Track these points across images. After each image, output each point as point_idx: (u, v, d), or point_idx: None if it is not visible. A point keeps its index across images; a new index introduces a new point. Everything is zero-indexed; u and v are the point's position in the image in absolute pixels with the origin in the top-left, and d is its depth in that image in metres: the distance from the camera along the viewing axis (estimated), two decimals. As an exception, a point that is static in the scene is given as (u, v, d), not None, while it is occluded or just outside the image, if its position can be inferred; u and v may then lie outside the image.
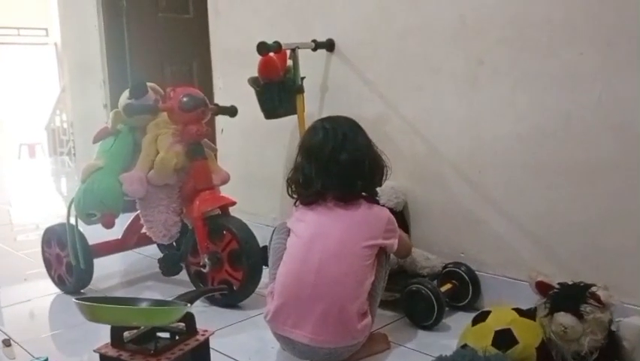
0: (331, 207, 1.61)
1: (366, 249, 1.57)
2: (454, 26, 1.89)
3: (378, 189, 1.92)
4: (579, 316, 1.35)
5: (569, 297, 1.39)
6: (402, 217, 2.08)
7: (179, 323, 1.32)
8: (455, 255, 1.98)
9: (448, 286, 1.92)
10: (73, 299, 1.23)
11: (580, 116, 1.65)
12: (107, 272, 2.50)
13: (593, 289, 1.38)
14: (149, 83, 2.19)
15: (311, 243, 1.57)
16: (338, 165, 1.59)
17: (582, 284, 1.42)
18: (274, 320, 1.57)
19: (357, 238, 1.57)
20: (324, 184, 1.61)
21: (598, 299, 1.36)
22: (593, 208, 1.65)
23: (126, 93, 2.18)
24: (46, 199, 5.23)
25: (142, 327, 1.31)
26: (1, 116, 9.98)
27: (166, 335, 1.33)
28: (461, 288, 1.92)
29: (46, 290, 2.32)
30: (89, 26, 3.89)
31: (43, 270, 2.36)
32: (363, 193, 1.64)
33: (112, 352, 1.26)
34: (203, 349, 1.34)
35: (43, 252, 2.35)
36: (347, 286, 1.53)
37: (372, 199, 1.67)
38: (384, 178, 1.70)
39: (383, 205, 2.01)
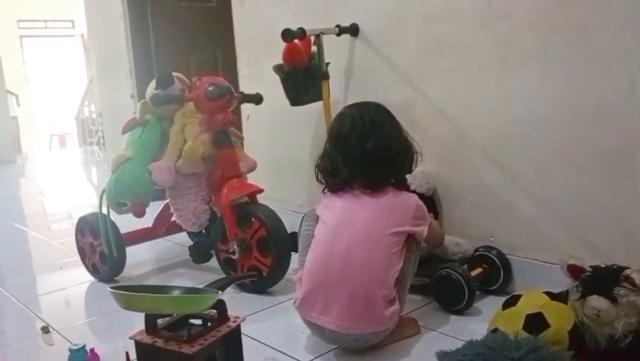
0: (358, 194, 1.61)
1: (393, 236, 1.56)
2: (481, 9, 1.86)
3: (410, 174, 1.92)
4: (612, 299, 1.34)
5: (602, 280, 1.37)
6: (432, 202, 2.07)
7: (211, 310, 1.33)
8: (485, 239, 1.97)
9: (479, 270, 1.90)
10: (109, 288, 1.26)
11: (611, 100, 1.61)
12: (139, 260, 2.54)
13: (627, 272, 1.36)
14: (175, 74, 2.21)
15: (337, 230, 1.58)
16: (365, 153, 1.59)
17: (615, 267, 1.40)
18: (302, 307, 1.59)
19: (384, 225, 1.56)
20: (351, 172, 1.61)
21: (632, 282, 1.34)
22: (625, 192, 1.62)
23: (153, 84, 2.20)
24: (77, 189, 5.34)
25: (175, 314, 1.34)
26: (32, 108, 10.18)
27: (198, 321, 1.35)
28: (492, 272, 1.90)
29: (80, 278, 2.38)
30: (114, 17, 3.94)
31: (78, 258, 2.42)
32: (392, 180, 1.63)
33: (147, 339, 1.28)
34: (235, 335, 1.35)
35: (77, 241, 2.40)
36: (373, 272, 1.53)
37: (402, 186, 1.66)
38: (414, 165, 1.69)
39: (414, 191, 2.01)
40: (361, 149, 1.59)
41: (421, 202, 1.66)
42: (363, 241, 1.55)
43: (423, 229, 1.63)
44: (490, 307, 1.72)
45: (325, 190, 1.70)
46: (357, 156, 1.60)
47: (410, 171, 1.70)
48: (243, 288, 2.09)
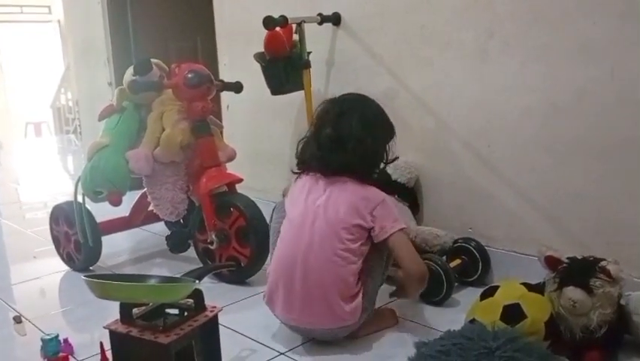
0: (320, 183, 1.60)
1: (352, 229, 1.52)
2: (463, -2, 1.86)
3: (392, 164, 1.90)
4: (588, 290, 1.35)
5: (579, 271, 1.38)
6: (413, 193, 2.07)
7: (188, 300, 1.32)
8: (464, 230, 1.97)
9: (458, 261, 1.91)
10: (83, 276, 1.23)
11: (592, 90, 1.62)
12: (116, 250, 2.51)
13: (603, 263, 1.38)
14: (153, 60, 2.17)
15: (299, 229, 1.56)
16: (321, 138, 1.60)
17: (592, 258, 1.41)
18: (268, 303, 1.61)
19: (343, 219, 1.52)
20: (310, 155, 1.63)
21: (608, 273, 1.36)
22: (605, 183, 1.63)
23: (131, 70, 2.16)
24: (53, 177, 5.25)
25: (151, 304, 1.32)
26: (7, 96, 9.97)
27: (175, 311, 1.33)
28: (471, 263, 1.91)
29: (55, 268, 2.33)
30: (92, 3, 3.86)
31: (52, 248, 2.38)
32: (348, 172, 1.58)
33: (121, 328, 1.26)
34: (212, 325, 1.34)
35: (52, 230, 2.36)
36: (330, 269, 1.51)
37: (366, 180, 1.59)
38: (378, 167, 1.63)
39: (395, 180, 2.01)
40: (320, 133, 1.60)
41: (390, 203, 1.58)
42: (323, 237, 1.52)
43: (383, 228, 1.52)
44: (468, 298, 1.72)
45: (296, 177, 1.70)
46: (317, 140, 1.61)
47: (371, 171, 1.62)
48: (222, 278, 2.08)
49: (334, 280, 1.50)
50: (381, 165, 1.64)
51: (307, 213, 1.56)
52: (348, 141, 1.56)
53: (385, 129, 1.63)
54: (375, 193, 1.57)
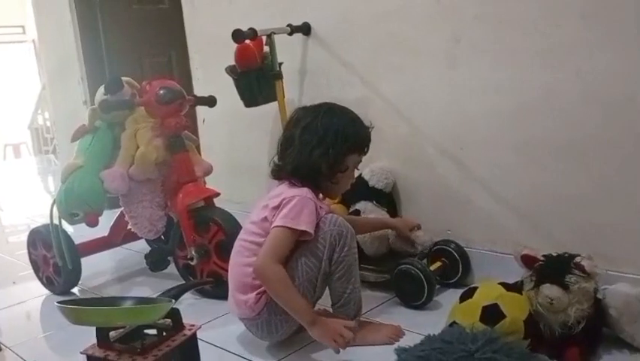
0: (272, 186, 1.64)
1: (257, 225, 1.57)
2: (430, 5, 1.87)
3: (369, 168, 1.98)
4: (564, 287, 1.36)
5: (554, 268, 1.40)
6: (391, 198, 2.08)
7: (166, 320, 1.31)
8: (443, 232, 1.98)
9: (438, 264, 1.92)
10: (56, 303, 1.22)
11: (559, 91, 1.63)
12: (97, 270, 2.48)
13: (577, 259, 1.40)
14: (124, 78, 2.16)
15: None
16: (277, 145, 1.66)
17: (566, 255, 1.43)
18: None
19: (256, 214, 1.59)
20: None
21: (582, 269, 1.37)
22: (577, 182, 1.65)
23: (102, 89, 2.15)
24: (35, 199, 5.19)
25: (128, 326, 1.30)
26: (-17, 118, 9.85)
27: (153, 331, 1.32)
28: (451, 265, 1.92)
29: (36, 292, 2.30)
30: (64, 22, 3.83)
31: (32, 272, 2.35)
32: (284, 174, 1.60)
33: (98, 352, 1.25)
34: (191, 343, 1.33)
35: (30, 254, 2.33)
36: (235, 259, 1.61)
37: (299, 183, 1.57)
38: (316, 175, 1.57)
39: (372, 187, 2.01)
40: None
41: (298, 203, 1.51)
42: (241, 232, 1.65)
43: (273, 222, 1.52)
44: (450, 300, 1.72)
45: None
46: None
47: (304, 179, 1.57)
48: (204, 294, 2.06)
49: (236, 271, 1.59)
50: (325, 173, 1.57)
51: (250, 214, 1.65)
52: (289, 146, 1.59)
53: (336, 139, 1.55)
54: (289, 191, 1.55)
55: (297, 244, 1.53)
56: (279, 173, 1.62)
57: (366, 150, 1.64)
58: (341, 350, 1.47)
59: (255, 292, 1.54)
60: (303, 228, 1.49)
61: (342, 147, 1.57)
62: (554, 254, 1.44)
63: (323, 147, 1.55)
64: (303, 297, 1.52)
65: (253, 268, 1.52)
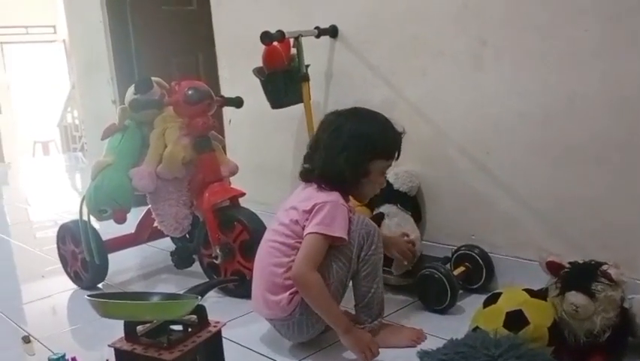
0: (298, 188, 1.67)
1: (287, 227, 1.57)
2: (456, 8, 1.87)
3: (393, 172, 1.97)
4: (590, 294, 1.35)
5: (580, 276, 1.38)
6: (415, 202, 2.08)
7: (191, 316, 1.33)
8: (467, 237, 1.98)
9: (462, 268, 1.91)
10: (86, 296, 1.25)
11: (583, 94, 1.62)
12: (123, 267, 2.53)
13: (604, 267, 1.38)
14: (154, 78, 2.20)
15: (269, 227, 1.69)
16: (307, 148, 1.67)
17: (593, 263, 1.41)
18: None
19: (285, 215, 1.60)
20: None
21: (609, 277, 1.35)
22: (601, 186, 1.63)
23: (132, 89, 2.19)
24: (62, 196, 5.29)
25: (155, 321, 1.33)
26: (14, 115, 10.08)
27: (179, 327, 1.35)
28: (474, 270, 1.91)
29: (63, 286, 2.35)
30: (95, 22, 3.91)
31: (61, 266, 2.40)
32: (313, 177, 1.61)
33: (126, 346, 1.27)
34: (216, 340, 1.35)
35: (59, 249, 2.38)
36: (264, 260, 1.61)
37: (327, 188, 1.58)
38: (342, 179, 1.56)
39: (397, 190, 2.01)
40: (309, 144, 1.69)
41: (330, 208, 1.52)
42: (269, 232, 1.65)
43: (306, 227, 1.53)
44: (473, 305, 1.72)
45: None
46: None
47: (331, 183, 1.57)
48: (228, 292, 2.08)
49: (267, 271, 1.58)
50: (349, 178, 1.56)
51: (276, 215, 1.65)
52: (317, 150, 1.61)
53: (358, 144, 1.56)
54: (320, 196, 1.55)
55: (329, 247, 1.55)
56: (308, 176, 1.63)
57: (395, 155, 1.63)
58: None
59: (287, 293, 1.55)
60: (338, 234, 1.51)
61: (365, 152, 1.57)
62: (580, 261, 1.43)
63: (347, 152, 1.56)
64: (334, 297, 1.55)
65: (292, 276, 1.52)
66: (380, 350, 1.55)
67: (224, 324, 1.38)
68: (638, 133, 1.54)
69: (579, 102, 1.64)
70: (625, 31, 1.53)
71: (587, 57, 1.60)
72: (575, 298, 1.36)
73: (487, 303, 1.49)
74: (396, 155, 1.63)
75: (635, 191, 1.57)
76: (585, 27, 1.59)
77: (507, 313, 1.40)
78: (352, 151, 1.56)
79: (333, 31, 2.27)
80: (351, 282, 1.60)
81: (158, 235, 2.43)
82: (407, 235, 1.88)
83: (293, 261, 1.53)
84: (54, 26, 10.26)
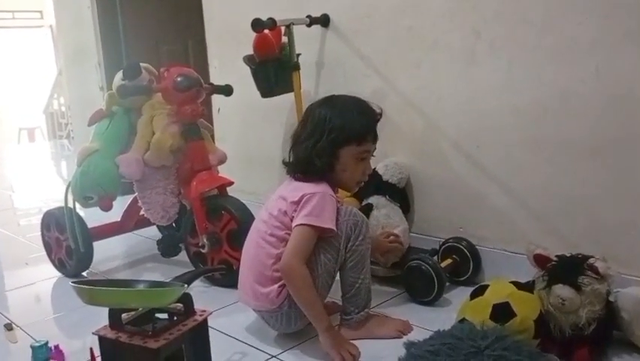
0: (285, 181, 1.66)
1: (275, 218, 1.56)
2: (451, 0, 1.86)
3: (383, 163, 1.96)
4: (577, 288, 1.35)
5: (567, 269, 1.39)
6: (404, 194, 2.07)
7: (177, 304, 1.32)
8: (455, 230, 1.98)
9: (449, 261, 1.91)
10: (70, 283, 1.23)
11: (577, 90, 1.62)
12: (108, 255, 2.50)
13: (591, 260, 1.38)
14: (142, 64, 2.17)
15: (257, 218, 1.69)
16: None
17: (580, 256, 1.42)
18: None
19: (273, 206, 1.58)
20: None
21: (596, 271, 1.36)
22: (592, 182, 1.64)
23: (120, 75, 2.16)
24: (47, 183, 5.24)
25: (140, 309, 1.31)
26: (-1, 102, 9.95)
27: (164, 315, 1.33)
28: (462, 263, 1.91)
29: (48, 274, 2.33)
30: (83, 7, 3.85)
31: (45, 254, 2.37)
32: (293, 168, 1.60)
33: (110, 334, 1.26)
34: (202, 329, 1.33)
35: (43, 236, 2.35)
36: (253, 250, 1.60)
37: (313, 178, 1.56)
38: (311, 166, 1.54)
39: (386, 181, 2.00)
40: None
41: (318, 199, 1.50)
42: (257, 222, 1.64)
43: (294, 219, 1.51)
44: (459, 297, 1.72)
45: None
46: None
47: (304, 171, 1.56)
48: (214, 282, 2.07)
49: (256, 263, 1.58)
50: (320, 166, 1.53)
51: (265, 204, 1.66)
52: (293, 144, 1.60)
53: (323, 131, 1.52)
54: (309, 187, 1.53)
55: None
56: (288, 168, 1.63)
57: (369, 140, 1.57)
58: None
59: (276, 285, 1.54)
60: (327, 226, 1.50)
61: (331, 139, 1.52)
62: (568, 255, 1.43)
63: (312, 139, 1.54)
64: (323, 289, 1.54)
65: (280, 268, 1.51)
66: (366, 341, 1.55)
67: (211, 313, 1.36)
68: (631, 128, 1.54)
69: (573, 97, 1.63)
70: (619, 26, 1.52)
71: (581, 52, 1.60)
72: (562, 291, 1.36)
73: (473, 295, 1.49)
74: (370, 139, 1.57)
75: (628, 186, 1.58)
76: (579, 21, 1.59)
77: (494, 305, 1.41)
78: (317, 138, 1.53)
79: (324, 20, 2.25)
80: (338, 273, 1.59)
81: (144, 223, 2.41)
82: (389, 233, 1.86)
83: (282, 253, 1.52)
84: (41, 11, 10.11)
